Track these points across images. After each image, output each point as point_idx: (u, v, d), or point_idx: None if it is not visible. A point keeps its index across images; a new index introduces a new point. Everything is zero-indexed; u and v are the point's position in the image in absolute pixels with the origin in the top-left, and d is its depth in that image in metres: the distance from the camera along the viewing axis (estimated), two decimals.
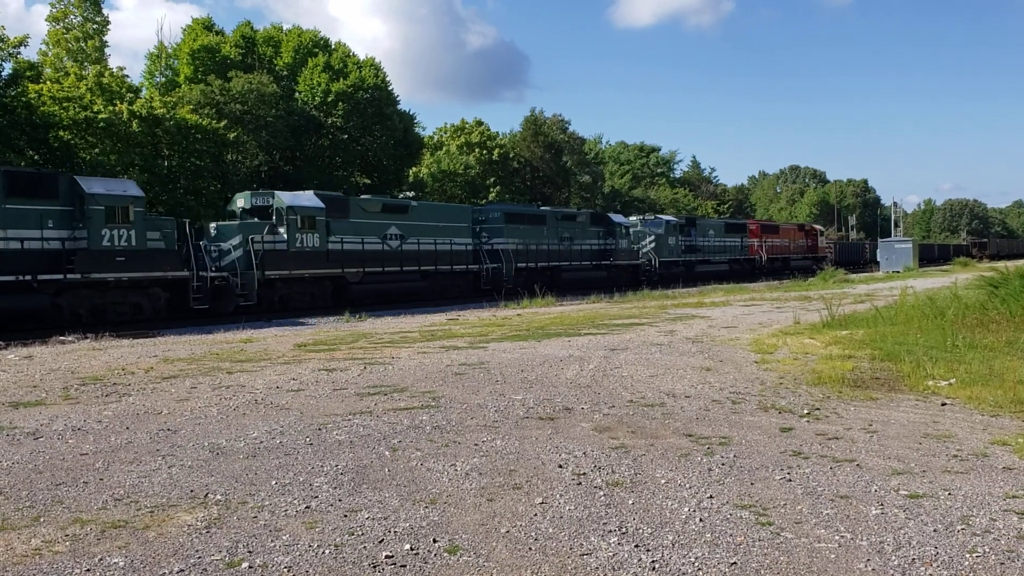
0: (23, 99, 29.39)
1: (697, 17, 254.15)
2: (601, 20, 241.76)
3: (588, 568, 4.09)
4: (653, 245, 40.41)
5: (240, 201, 24.23)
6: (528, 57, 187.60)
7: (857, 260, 64.47)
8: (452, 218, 29.87)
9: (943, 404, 8.02)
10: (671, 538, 4.47)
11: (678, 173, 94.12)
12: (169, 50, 46.33)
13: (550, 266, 33.32)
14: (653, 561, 4.16)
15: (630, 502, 5.07)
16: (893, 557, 4.19)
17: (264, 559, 4.21)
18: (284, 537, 4.51)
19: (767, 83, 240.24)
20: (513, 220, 32.69)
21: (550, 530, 4.61)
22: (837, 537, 4.47)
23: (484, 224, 31.98)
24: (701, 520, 4.74)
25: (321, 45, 46.91)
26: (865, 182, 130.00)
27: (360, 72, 44.35)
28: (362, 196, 29.35)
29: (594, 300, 26.88)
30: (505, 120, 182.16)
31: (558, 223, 34.66)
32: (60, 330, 16.71)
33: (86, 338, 16.03)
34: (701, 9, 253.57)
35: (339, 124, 42.98)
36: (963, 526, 4.62)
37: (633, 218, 42.67)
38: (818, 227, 65.27)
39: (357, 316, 20.20)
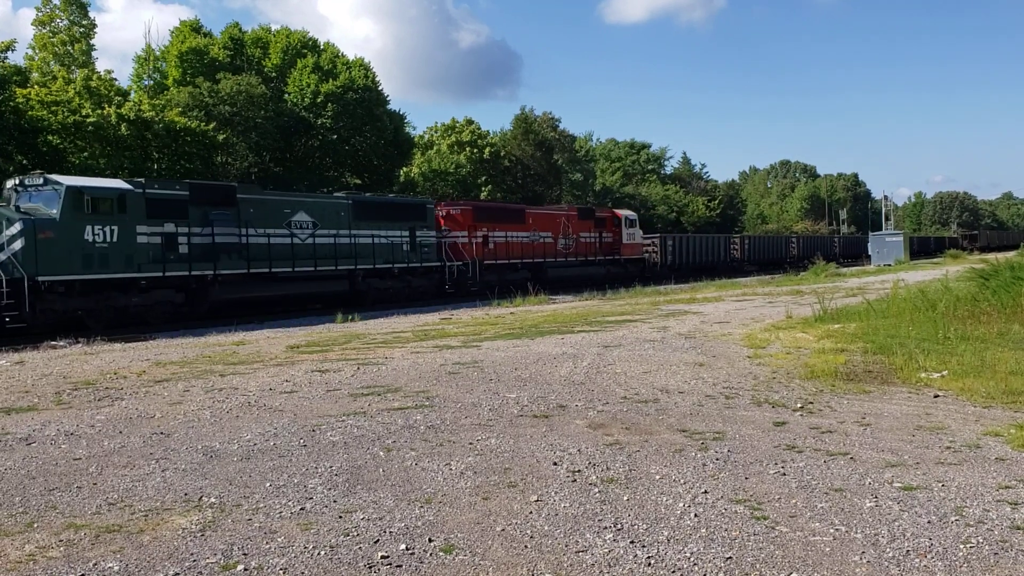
0: (11, 103, 29.25)
1: (689, 13, 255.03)
2: (592, 17, 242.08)
3: (584, 565, 4.09)
4: (21, 245, 17.21)
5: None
6: (520, 55, 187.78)
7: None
8: None
9: (936, 396, 8.05)
10: (666, 534, 4.48)
11: (669, 170, 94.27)
12: (157, 53, 46.15)
13: None
14: (649, 557, 4.16)
15: (625, 498, 5.08)
16: (888, 549, 4.21)
17: (259, 561, 4.20)
18: (279, 539, 4.50)
19: (758, 78, 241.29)
20: None
21: (545, 528, 4.61)
22: (832, 530, 4.49)
23: None
24: (696, 515, 4.75)
25: (310, 46, 46.81)
26: (855, 176, 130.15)
27: (349, 72, 44.25)
28: None
29: (587, 297, 26.90)
30: (498, 119, 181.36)
31: None
32: (57, 335, 16.65)
33: (78, 343, 15.96)
34: (693, 5, 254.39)
35: (329, 125, 42.86)
36: (957, 517, 4.64)
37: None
38: (623, 213, 40.34)
39: (349, 317, 20.17)
